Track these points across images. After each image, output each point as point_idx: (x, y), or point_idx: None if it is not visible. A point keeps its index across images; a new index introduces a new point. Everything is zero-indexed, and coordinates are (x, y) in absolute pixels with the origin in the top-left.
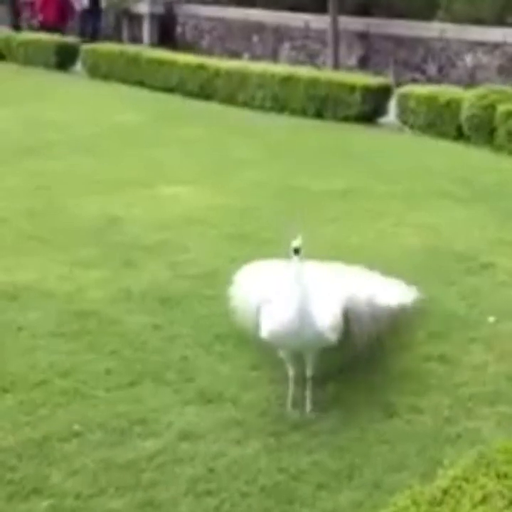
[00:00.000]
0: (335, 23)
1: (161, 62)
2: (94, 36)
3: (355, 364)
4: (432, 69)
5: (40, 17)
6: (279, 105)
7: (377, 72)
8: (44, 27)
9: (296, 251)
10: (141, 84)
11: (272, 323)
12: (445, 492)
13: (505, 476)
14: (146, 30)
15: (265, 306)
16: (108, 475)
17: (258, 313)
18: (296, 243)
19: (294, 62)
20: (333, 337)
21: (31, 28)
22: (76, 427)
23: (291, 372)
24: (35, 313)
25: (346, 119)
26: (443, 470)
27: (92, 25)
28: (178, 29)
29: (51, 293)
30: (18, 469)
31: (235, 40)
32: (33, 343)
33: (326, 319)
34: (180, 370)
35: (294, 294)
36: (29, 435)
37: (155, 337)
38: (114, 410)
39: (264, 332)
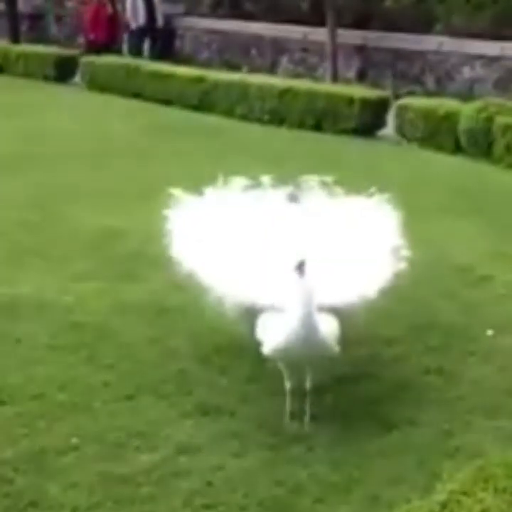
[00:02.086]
0: (333, 36)
1: (159, 75)
2: (151, 55)
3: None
4: (430, 82)
5: (91, 36)
6: (278, 118)
7: (376, 85)
8: (93, 46)
9: (300, 267)
10: (139, 96)
11: (275, 339)
12: (443, 506)
13: (504, 490)
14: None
15: (264, 316)
16: (105, 488)
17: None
18: (300, 258)
19: (293, 74)
20: (336, 348)
21: (77, 47)
22: (73, 440)
23: (288, 385)
24: (33, 325)
25: (345, 131)
26: (441, 484)
27: (150, 44)
28: (177, 42)
29: (49, 305)
30: (15, 482)
31: (234, 52)
32: (30, 355)
33: (330, 331)
34: (178, 383)
35: (298, 308)
36: (26, 448)
37: (153, 349)
38: (111, 423)
39: (267, 349)
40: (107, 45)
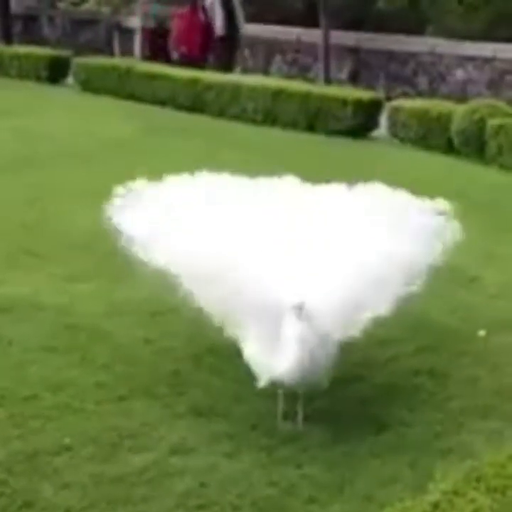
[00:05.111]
0: (326, 37)
1: (152, 76)
2: (228, 67)
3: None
4: (422, 83)
5: (183, 49)
6: (271, 119)
7: (368, 86)
8: (184, 59)
9: (299, 310)
10: (132, 97)
11: (271, 374)
12: (435, 506)
13: (495, 490)
14: (137, 44)
15: (253, 345)
16: (99, 489)
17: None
18: (297, 301)
19: (286, 75)
20: (326, 382)
21: (166, 61)
22: (67, 441)
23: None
24: (26, 326)
25: (338, 132)
26: (433, 484)
27: (228, 54)
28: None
29: (43, 306)
30: (8, 483)
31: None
32: (23, 356)
33: (325, 365)
34: (172, 384)
35: (295, 350)
36: (20, 449)
37: (146, 350)
38: (105, 424)
39: (262, 380)
40: (201, 59)
